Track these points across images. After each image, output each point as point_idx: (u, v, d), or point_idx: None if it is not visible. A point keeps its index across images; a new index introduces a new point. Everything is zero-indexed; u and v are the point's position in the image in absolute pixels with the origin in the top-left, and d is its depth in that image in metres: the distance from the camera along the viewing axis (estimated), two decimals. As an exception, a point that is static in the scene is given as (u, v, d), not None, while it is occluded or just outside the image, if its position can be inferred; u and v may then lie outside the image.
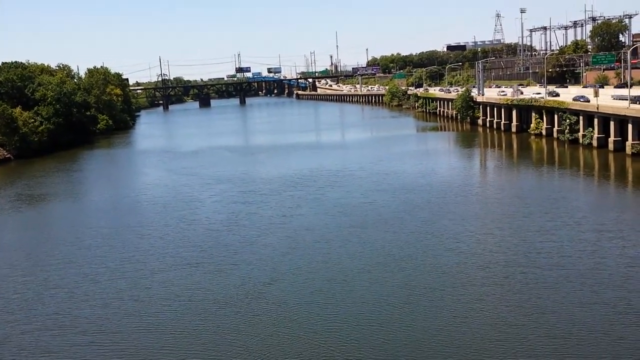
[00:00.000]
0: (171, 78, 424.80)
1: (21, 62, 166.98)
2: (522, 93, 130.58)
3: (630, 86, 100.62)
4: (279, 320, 34.93)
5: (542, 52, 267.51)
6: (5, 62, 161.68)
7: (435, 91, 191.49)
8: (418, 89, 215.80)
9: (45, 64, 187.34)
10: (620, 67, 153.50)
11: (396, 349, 30.78)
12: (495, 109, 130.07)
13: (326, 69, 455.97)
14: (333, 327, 33.72)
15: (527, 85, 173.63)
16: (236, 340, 32.86)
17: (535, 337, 31.11)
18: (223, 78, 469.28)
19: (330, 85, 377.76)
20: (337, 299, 37.60)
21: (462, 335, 31.80)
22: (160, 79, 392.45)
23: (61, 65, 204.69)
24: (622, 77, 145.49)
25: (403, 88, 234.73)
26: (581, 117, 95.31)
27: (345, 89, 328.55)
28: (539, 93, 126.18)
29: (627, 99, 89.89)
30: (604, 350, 29.56)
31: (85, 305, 39.39)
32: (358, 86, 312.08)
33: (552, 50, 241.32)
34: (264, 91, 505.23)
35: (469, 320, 33.54)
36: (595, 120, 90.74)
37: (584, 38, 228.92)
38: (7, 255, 52.55)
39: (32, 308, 39.72)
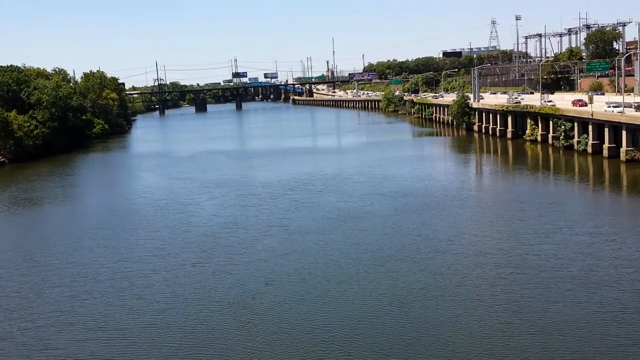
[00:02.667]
0: (167, 83, 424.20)
1: (17, 66, 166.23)
2: (586, 105, 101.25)
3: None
4: (276, 320, 35.06)
5: (537, 59, 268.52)
6: (1, 66, 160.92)
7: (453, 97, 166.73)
8: (414, 95, 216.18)
9: (41, 68, 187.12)
10: (614, 74, 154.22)
11: (393, 347, 30.93)
12: (490, 115, 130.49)
13: (322, 74, 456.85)
14: (329, 327, 33.86)
15: (523, 91, 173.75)
16: (233, 339, 32.99)
17: (528, 334, 31.55)
18: (219, 83, 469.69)
19: (334, 92, 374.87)
20: (333, 300, 37.78)
21: (457, 333, 32.12)
22: (156, 83, 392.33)
23: (57, 69, 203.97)
24: (616, 84, 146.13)
25: (398, 94, 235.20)
26: (576, 124, 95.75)
27: (350, 94, 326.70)
28: (616, 105, 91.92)
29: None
30: (595, 346, 29.94)
31: (86, 304, 39.78)
32: (361, 91, 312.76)
33: (547, 57, 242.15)
34: (260, 96, 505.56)
35: (465, 318, 33.94)
36: (590, 127, 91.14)
37: (579, 45, 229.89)
38: (5, 257, 52.58)
39: (32, 306, 40.07)
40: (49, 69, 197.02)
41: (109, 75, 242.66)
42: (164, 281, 43.32)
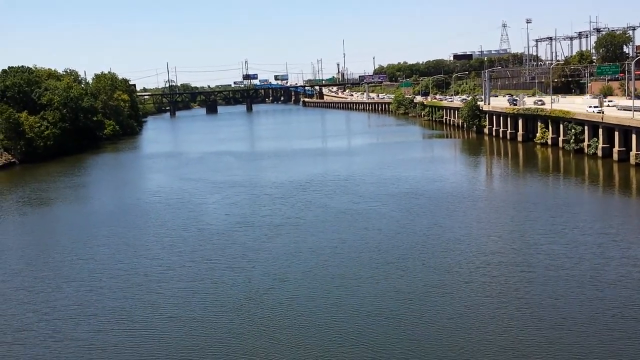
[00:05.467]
0: (178, 84, 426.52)
1: (28, 67, 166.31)
2: None
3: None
4: (288, 315, 35.74)
5: (547, 62, 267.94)
6: (12, 67, 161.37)
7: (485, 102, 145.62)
8: (424, 98, 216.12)
9: (52, 69, 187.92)
10: (624, 78, 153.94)
11: (403, 341, 31.47)
12: (501, 118, 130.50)
13: (333, 76, 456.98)
14: (341, 323, 34.40)
15: (533, 94, 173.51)
16: (247, 334, 33.58)
17: (537, 329, 32.14)
18: (230, 85, 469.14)
19: (351, 94, 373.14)
20: (345, 297, 38.32)
21: (468, 327, 32.68)
22: (167, 85, 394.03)
23: (68, 70, 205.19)
24: (626, 88, 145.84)
25: (409, 96, 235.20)
26: (586, 127, 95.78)
27: (364, 96, 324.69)
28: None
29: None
30: (600, 340, 30.59)
31: (103, 297, 40.74)
32: (373, 94, 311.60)
33: (558, 61, 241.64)
34: (270, 98, 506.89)
35: (475, 314, 34.70)
36: (600, 131, 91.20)
37: (589, 49, 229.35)
38: (19, 254, 53.52)
39: (50, 300, 41.02)
40: (60, 70, 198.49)
41: (120, 77, 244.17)
42: (179, 277, 44.12)
